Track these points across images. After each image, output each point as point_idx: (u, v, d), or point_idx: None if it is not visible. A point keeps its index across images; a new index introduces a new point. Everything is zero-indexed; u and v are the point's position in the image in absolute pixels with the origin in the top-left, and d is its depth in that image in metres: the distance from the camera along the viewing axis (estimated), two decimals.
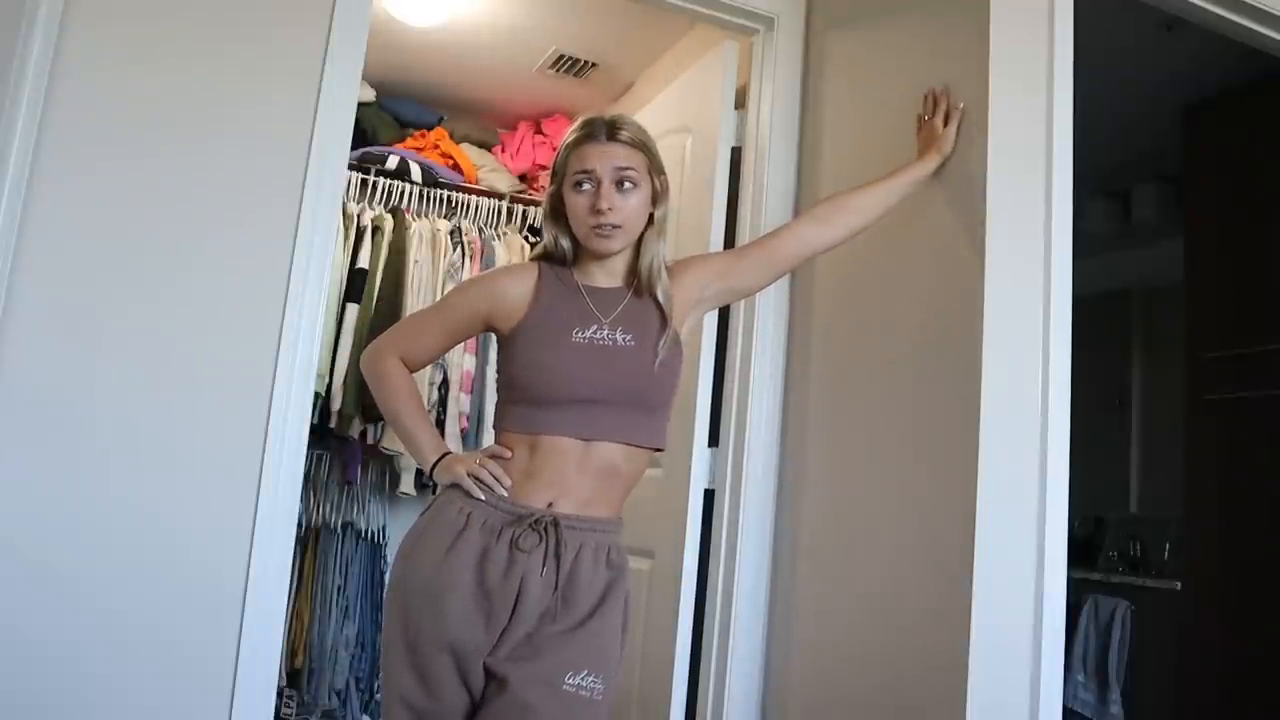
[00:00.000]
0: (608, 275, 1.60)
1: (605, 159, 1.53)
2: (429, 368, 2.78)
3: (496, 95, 3.84)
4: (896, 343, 2.00)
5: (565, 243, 1.59)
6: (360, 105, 2.23)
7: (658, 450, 1.60)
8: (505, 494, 1.50)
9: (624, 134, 1.55)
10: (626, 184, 1.54)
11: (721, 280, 1.70)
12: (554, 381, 1.51)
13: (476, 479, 1.50)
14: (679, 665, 2.20)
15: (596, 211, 1.51)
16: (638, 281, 1.58)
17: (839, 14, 2.38)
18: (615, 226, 1.53)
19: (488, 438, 3.23)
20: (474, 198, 3.58)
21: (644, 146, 1.57)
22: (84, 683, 1.73)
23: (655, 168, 1.58)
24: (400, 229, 3.30)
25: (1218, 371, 3.18)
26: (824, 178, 2.30)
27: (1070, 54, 1.92)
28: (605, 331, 1.53)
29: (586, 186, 1.53)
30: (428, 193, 3.48)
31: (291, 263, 1.90)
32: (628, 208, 1.54)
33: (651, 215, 1.59)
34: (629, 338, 1.53)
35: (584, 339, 1.52)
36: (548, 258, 1.62)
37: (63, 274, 1.78)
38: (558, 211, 1.59)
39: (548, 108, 3.88)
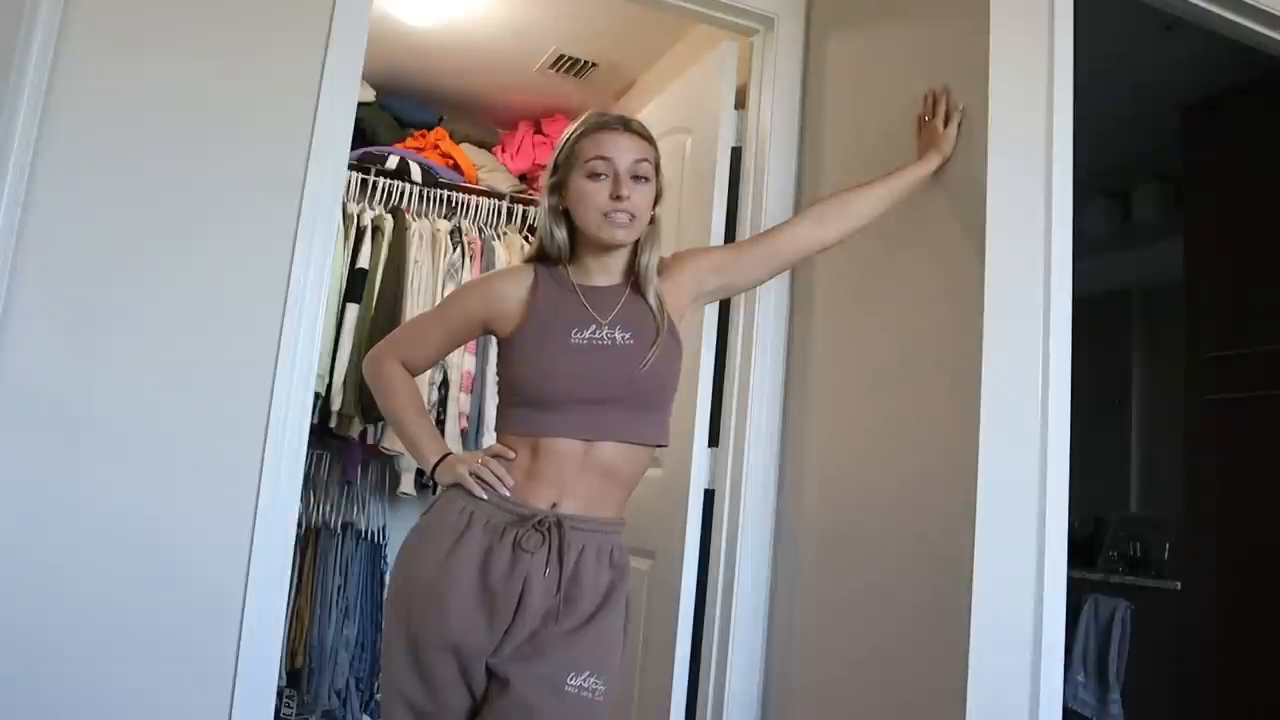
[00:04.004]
0: (606, 274, 1.59)
1: (623, 149, 1.52)
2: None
3: (496, 95, 3.84)
4: (896, 343, 2.00)
5: (562, 237, 1.57)
6: (360, 105, 2.23)
7: (661, 446, 1.60)
8: (507, 493, 1.50)
9: (637, 126, 1.56)
10: (642, 177, 1.54)
11: (719, 275, 1.71)
12: (554, 384, 1.50)
13: (478, 478, 1.50)
14: (679, 665, 2.20)
15: (616, 198, 1.50)
16: (635, 279, 1.58)
17: (839, 14, 2.38)
18: (631, 216, 1.52)
19: (488, 438, 3.23)
20: (474, 198, 3.57)
21: (654, 143, 1.58)
22: (83, 682, 1.73)
23: (659, 166, 1.59)
24: (400, 229, 3.30)
25: (1218, 371, 3.18)
26: (824, 178, 2.29)
27: (1070, 54, 1.91)
28: (604, 331, 1.53)
29: (604, 176, 1.51)
30: (428, 193, 3.48)
31: (291, 263, 1.90)
32: (640, 199, 1.53)
33: (653, 217, 1.59)
34: (627, 336, 1.53)
35: (583, 340, 1.51)
36: (542, 258, 1.61)
37: (63, 273, 1.78)
38: (560, 204, 1.57)
39: (548, 108, 3.89)
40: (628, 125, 1.55)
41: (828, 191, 2.05)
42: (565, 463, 1.50)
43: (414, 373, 1.67)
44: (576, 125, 1.58)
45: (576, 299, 1.56)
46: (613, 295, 1.57)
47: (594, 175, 1.52)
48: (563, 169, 1.56)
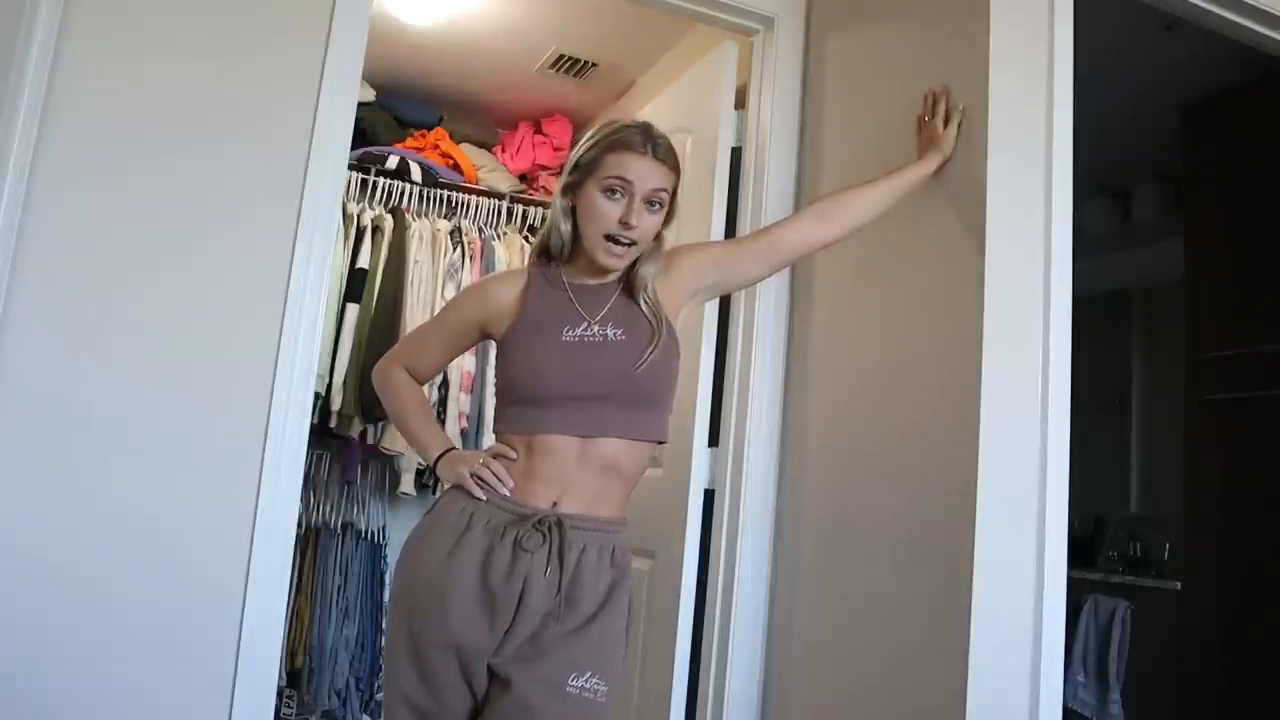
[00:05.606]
0: (600, 275, 1.59)
1: (644, 175, 1.51)
2: None
3: (496, 95, 3.84)
4: (896, 343, 2.00)
5: (567, 233, 1.57)
6: (360, 105, 2.23)
7: (660, 443, 1.60)
8: (508, 494, 1.50)
9: (664, 153, 1.53)
10: (655, 204, 1.53)
11: (718, 271, 1.70)
12: (547, 381, 1.51)
13: (478, 479, 1.50)
14: (679, 665, 2.20)
15: (624, 224, 1.50)
16: (630, 283, 1.58)
17: (839, 14, 2.38)
18: (632, 244, 1.52)
19: (488, 438, 3.23)
20: (474, 198, 3.58)
21: (677, 169, 1.56)
22: (83, 682, 1.73)
23: (676, 189, 1.57)
24: (400, 229, 3.30)
25: (1218, 371, 3.18)
26: (824, 178, 2.29)
27: (1070, 54, 1.92)
28: (595, 328, 1.53)
29: (619, 196, 1.50)
30: (428, 193, 3.48)
31: (291, 263, 1.90)
32: (648, 226, 1.53)
33: (659, 234, 1.58)
34: (619, 332, 1.53)
35: (574, 337, 1.52)
36: (544, 251, 1.61)
37: (63, 274, 1.78)
38: (570, 204, 1.56)
39: (548, 108, 3.89)
40: (656, 151, 1.52)
41: (827, 191, 2.05)
42: (563, 460, 1.50)
43: (420, 381, 1.70)
44: (607, 131, 1.55)
45: (567, 298, 1.56)
46: (604, 294, 1.57)
47: (609, 192, 1.51)
48: (581, 172, 1.54)
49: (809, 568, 2.16)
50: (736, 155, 2.46)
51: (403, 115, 3.68)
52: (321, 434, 3.10)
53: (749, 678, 2.21)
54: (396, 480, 3.38)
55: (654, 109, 2.84)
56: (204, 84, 1.90)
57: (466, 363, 3.29)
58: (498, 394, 1.61)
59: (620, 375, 1.51)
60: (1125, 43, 2.88)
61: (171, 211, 1.85)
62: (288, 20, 1.97)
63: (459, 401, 3.27)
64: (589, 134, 1.58)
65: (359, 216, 3.26)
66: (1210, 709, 3.03)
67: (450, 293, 3.28)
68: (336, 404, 3.06)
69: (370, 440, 3.25)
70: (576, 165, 1.56)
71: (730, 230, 2.40)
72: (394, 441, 3.19)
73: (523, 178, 3.82)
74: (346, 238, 3.17)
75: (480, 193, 3.61)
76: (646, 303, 1.56)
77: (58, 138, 1.77)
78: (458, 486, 1.53)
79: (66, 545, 1.73)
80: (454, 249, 3.39)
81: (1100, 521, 4.15)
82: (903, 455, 1.92)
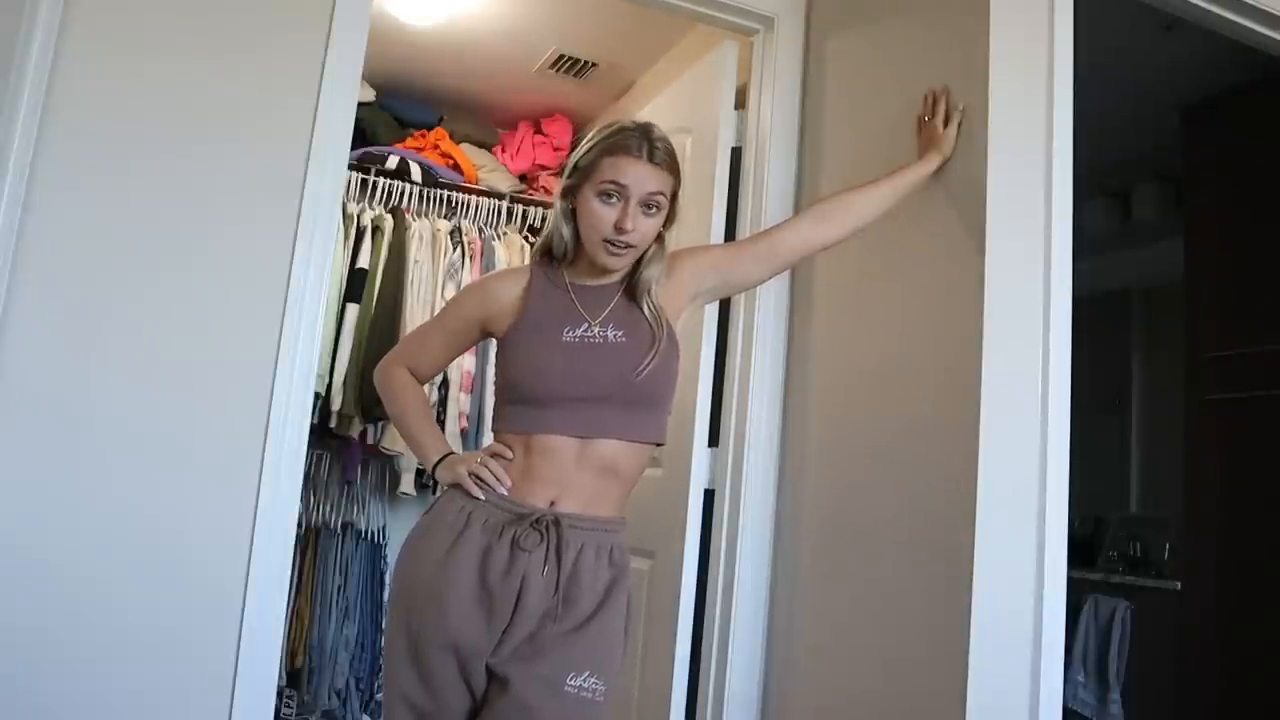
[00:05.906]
0: (603, 275, 1.59)
1: (640, 179, 1.50)
2: None
3: (496, 95, 3.84)
4: (896, 342, 2.00)
5: (569, 236, 1.57)
6: (360, 105, 2.23)
7: (658, 445, 1.60)
8: (505, 493, 1.50)
9: (661, 156, 1.52)
10: (652, 207, 1.52)
11: (718, 274, 1.70)
12: (547, 381, 1.51)
13: (477, 478, 1.50)
14: (679, 665, 2.20)
15: (619, 229, 1.49)
16: (631, 286, 1.58)
17: (839, 14, 2.38)
18: (630, 246, 1.52)
19: (488, 438, 3.22)
20: (474, 198, 3.58)
21: (676, 172, 1.55)
22: (83, 683, 1.73)
23: (677, 190, 1.57)
24: (400, 229, 3.30)
25: (1218, 371, 3.18)
26: (824, 178, 2.30)
27: (1070, 54, 1.92)
28: (596, 330, 1.53)
29: (614, 200, 1.50)
30: (428, 193, 3.48)
31: (291, 263, 1.90)
32: (646, 229, 1.53)
33: (661, 235, 1.57)
34: (620, 334, 1.53)
35: (574, 338, 1.52)
36: (547, 251, 1.61)
37: (63, 274, 1.78)
38: (570, 206, 1.57)
39: (548, 108, 3.89)
40: (653, 155, 1.51)
41: (828, 191, 2.05)
42: (561, 460, 1.50)
43: (421, 380, 1.69)
44: (604, 134, 1.54)
45: (569, 298, 1.56)
46: (606, 295, 1.57)
47: (605, 196, 1.50)
48: (579, 176, 1.54)
49: (809, 568, 2.16)
50: (736, 155, 2.46)
51: (403, 115, 3.68)
52: (321, 434, 3.10)
53: (749, 678, 2.21)
54: (396, 480, 3.38)
55: (654, 109, 2.84)
56: (204, 84, 1.90)
57: (466, 362, 3.29)
58: (497, 393, 1.61)
59: (619, 378, 1.51)
60: (1125, 43, 2.88)
61: (171, 211, 1.85)
62: (288, 20, 1.97)
63: (459, 401, 3.27)
64: (588, 137, 1.58)
65: (359, 216, 3.26)
66: (1210, 709, 3.03)
67: (450, 293, 3.28)
68: (336, 404, 3.06)
69: (370, 440, 3.26)
70: (575, 168, 1.56)
71: (730, 231, 2.40)
72: (394, 441, 3.19)
73: (523, 178, 3.82)
74: (346, 238, 3.17)
75: (480, 193, 3.61)
76: (649, 306, 1.56)
77: (58, 138, 1.77)
78: (456, 486, 1.53)
79: (66, 545, 1.74)
80: (454, 249, 3.39)
81: (1100, 521, 4.15)
82: (903, 455, 1.92)
